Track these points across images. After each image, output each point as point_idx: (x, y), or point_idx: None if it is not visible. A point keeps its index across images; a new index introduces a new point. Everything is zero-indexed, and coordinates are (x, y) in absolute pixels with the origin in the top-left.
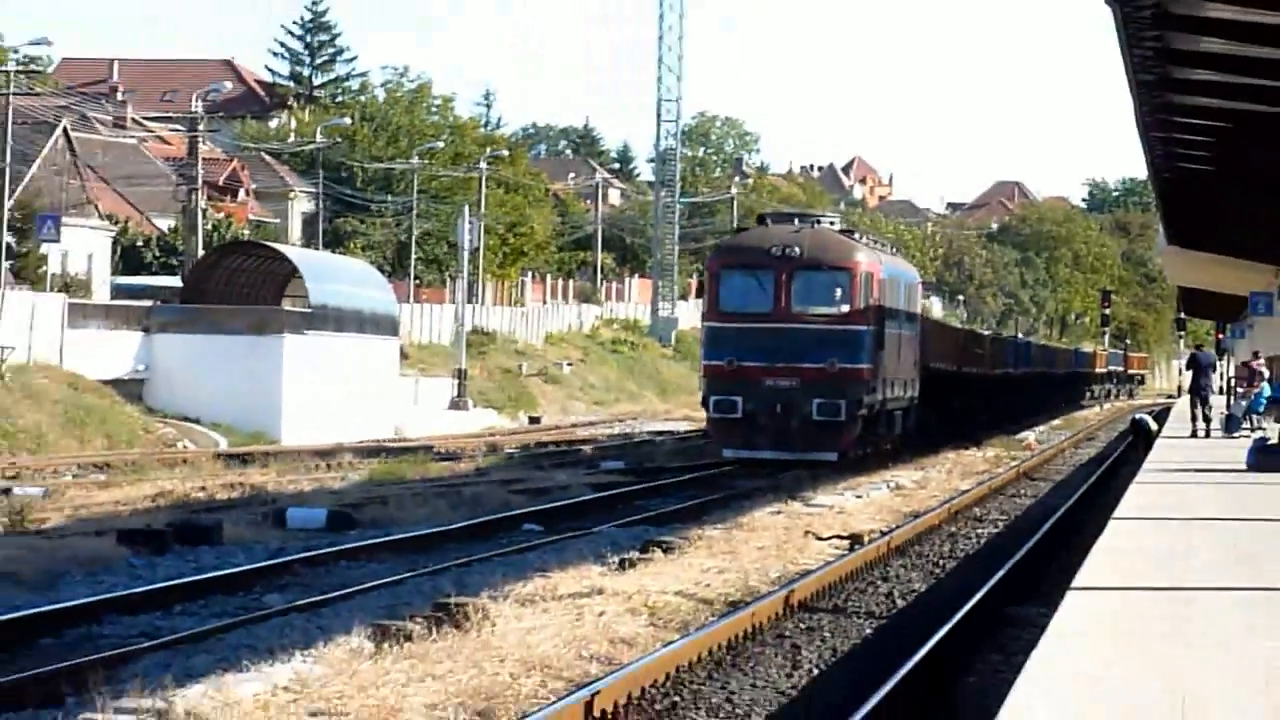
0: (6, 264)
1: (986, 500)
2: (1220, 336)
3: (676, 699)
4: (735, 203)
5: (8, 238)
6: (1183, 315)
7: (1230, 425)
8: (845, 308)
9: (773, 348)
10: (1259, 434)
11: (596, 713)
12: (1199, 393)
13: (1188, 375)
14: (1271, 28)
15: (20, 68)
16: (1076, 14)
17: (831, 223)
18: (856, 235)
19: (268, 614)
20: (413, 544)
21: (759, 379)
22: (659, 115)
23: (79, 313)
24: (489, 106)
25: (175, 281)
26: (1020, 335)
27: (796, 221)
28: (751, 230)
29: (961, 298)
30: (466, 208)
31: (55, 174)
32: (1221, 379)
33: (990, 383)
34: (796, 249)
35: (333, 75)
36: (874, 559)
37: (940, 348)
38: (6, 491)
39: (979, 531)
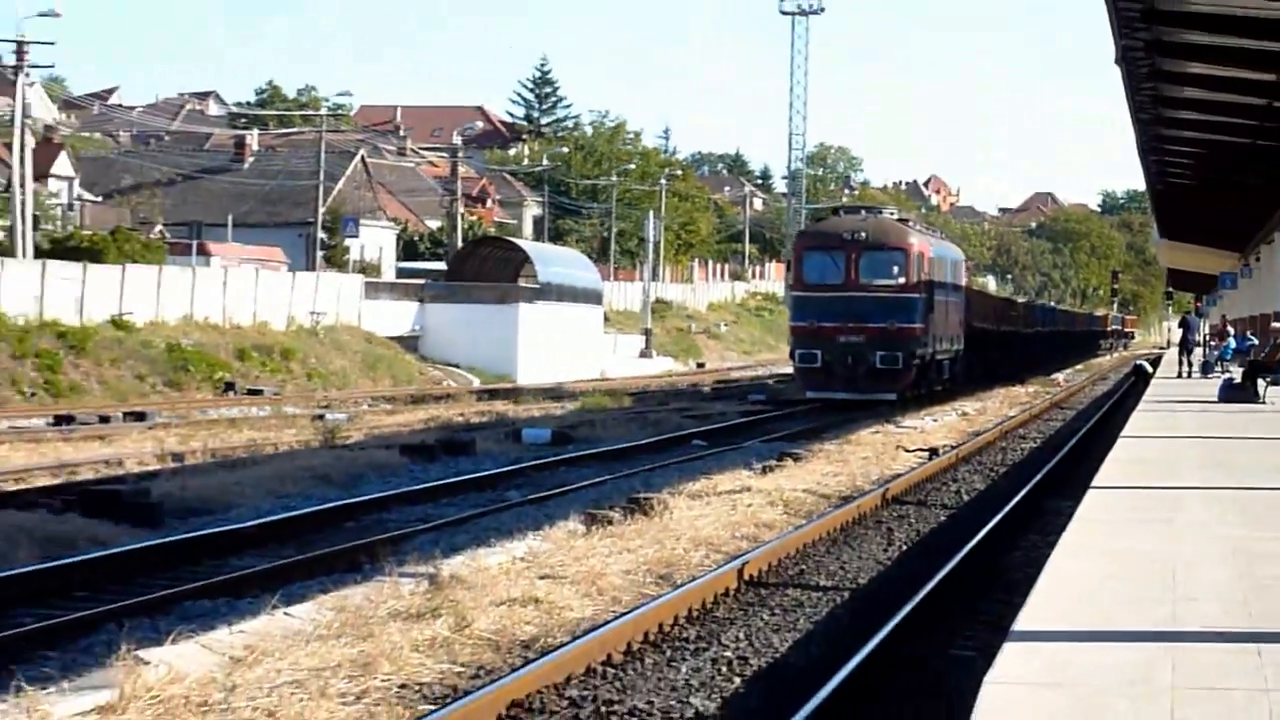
0: (321, 254)
1: (1028, 423)
2: (1198, 305)
3: (803, 567)
4: None
5: (321, 234)
6: (1170, 289)
7: (1206, 369)
8: (902, 280)
9: (845, 311)
10: (1226, 376)
11: (746, 577)
12: (1186, 345)
13: (1178, 332)
14: (1234, 80)
15: (330, 113)
16: (1094, 69)
17: (891, 213)
18: (911, 223)
19: (508, 505)
20: (613, 455)
21: (834, 336)
22: (790, 145)
23: (372, 289)
24: (667, 138)
25: (441, 266)
26: (1051, 303)
27: (863, 212)
28: (828, 219)
29: (1009, 276)
30: (651, 213)
31: (355, 189)
32: (1200, 335)
33: (1023, 338)
34: (863, 233)
35: (555, 116)
36: (947, 466)
37: (982, 311)
38: (321, 417)
39: (1023, 445)
